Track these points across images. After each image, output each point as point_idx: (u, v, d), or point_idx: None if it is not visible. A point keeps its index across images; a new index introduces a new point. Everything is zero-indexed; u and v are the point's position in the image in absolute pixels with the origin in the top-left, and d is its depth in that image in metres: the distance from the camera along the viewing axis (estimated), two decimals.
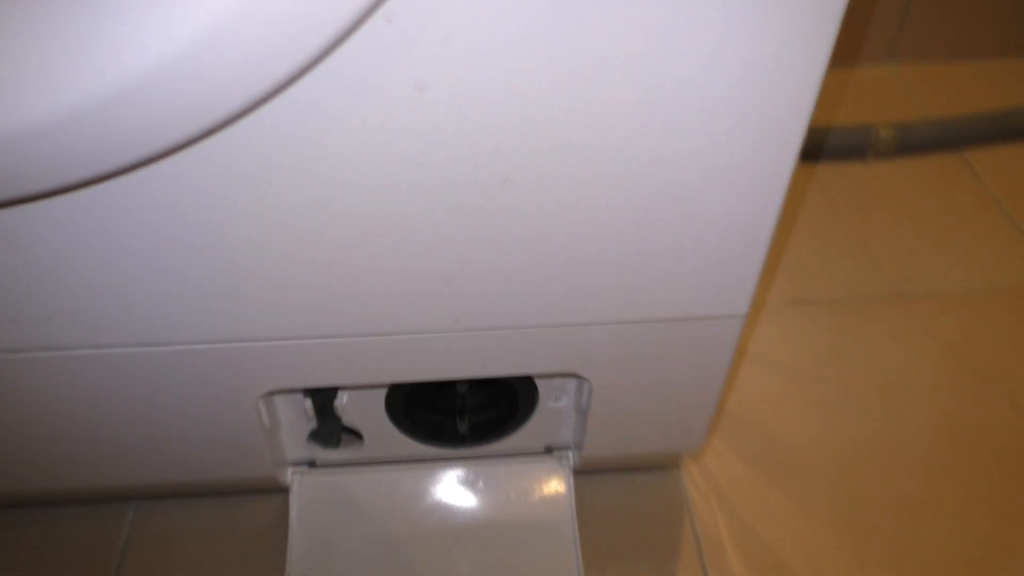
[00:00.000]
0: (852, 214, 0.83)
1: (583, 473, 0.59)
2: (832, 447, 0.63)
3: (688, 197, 0.39)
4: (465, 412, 0.54)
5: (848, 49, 1.02)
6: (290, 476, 0.56)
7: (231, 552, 0.56)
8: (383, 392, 0.52)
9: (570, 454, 0.57)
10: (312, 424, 0.53)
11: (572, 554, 0.53)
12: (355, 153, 0.35)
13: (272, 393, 0.48)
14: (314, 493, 0.55)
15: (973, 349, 0.70)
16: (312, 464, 0.56)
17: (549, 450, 0.57)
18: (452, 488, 0.56)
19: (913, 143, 0.89)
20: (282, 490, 0.56)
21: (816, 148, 0.88)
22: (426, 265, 0.40)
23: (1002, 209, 0.84)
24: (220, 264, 0.39)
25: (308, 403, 0.50)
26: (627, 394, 0.49)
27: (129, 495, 0.59)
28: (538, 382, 0.52)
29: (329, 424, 0.53)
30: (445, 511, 0.55)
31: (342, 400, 0.51)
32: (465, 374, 0.47)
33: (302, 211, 0.37)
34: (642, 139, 0.36)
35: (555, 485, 0.56)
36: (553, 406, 0.54)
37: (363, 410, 0.53)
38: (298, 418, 0.53)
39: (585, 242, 0.40)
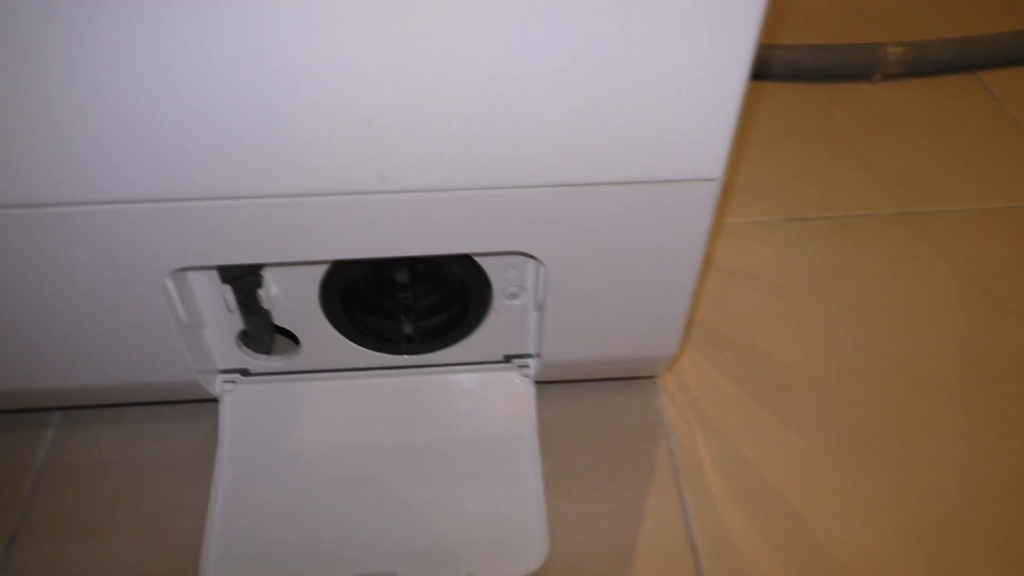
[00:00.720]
0: (856, 135, 0.77)
1: (548, 384, 0.53)
2: (828, 366, 0.57)
3: (649, 43, 0.33)
4: (410, 310, 0.48)
5: None
6: (219, 386, 0.50)
7: (153, 477, 0.51)
8: (316, 285, 0.46)
9: (531, 362, 0.51)
10: (239, 322, 0.48)
11: (532, 473, 0.47)
12: None
13: (183, 270, 0.42)
14: (246, 403, 0.50)
15: (984, 268, 0.64)
16: (245, 373, 0.51)
17: (508, 359, 0.51)
18: (400, 400, 0.50)
19: (925, 62, 0.82)
20: (214, 403, 0.51)
21: (819, 68, 0.82)
22: (339, 101, 0.34)
23: (1020, 128, 0.77)
24: (104, 110, 0.34)
25: (228, 291, 0.45)
26: (588, 281, 0.43)
27: (49, 404, 0.53)
28: (492, 276, 0.47)
29: (256, 321, 0.47)
30: (392, 425, 0.49)
31: (269, 291, 0.46)
32: (399, 251, 0.41)
33: (195, 41, 0.32)
34: None
35: (514, 396, 0.50)
36: (509, 304, 0.48)
37: (295, 305, 0.47)
38: (223, 314, 0.47)
39: (530, 84, 0.34)
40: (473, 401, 0.50)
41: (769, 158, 0.74)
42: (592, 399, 0.54)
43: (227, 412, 0.50)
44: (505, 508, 0.47)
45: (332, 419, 0.50)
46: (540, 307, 0.47)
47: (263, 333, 0.48)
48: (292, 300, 0.47)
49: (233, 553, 0.45)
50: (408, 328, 0.49)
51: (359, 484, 0.48)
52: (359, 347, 0.50)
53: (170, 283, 0.42)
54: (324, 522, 0.46)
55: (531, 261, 0.45)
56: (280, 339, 0.50)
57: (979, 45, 0.83)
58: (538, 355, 0.49)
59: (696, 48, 0.34)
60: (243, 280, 0.45)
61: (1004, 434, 0.53)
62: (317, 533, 0.46)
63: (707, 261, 0.54)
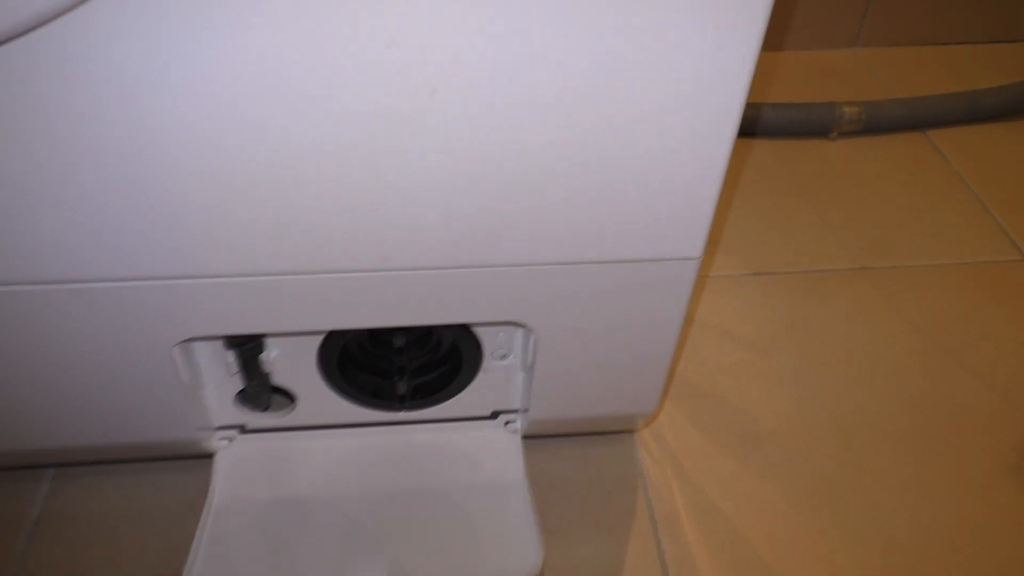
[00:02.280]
0: (816, 189, 0.81)
1: (533, 439, 0.55)
2: (793, 419, 0.60)
3: (637, 133, 0.37)
4: (404, 370, 0.51)
5: (815, 33, 1.00)
6: (216, 442, 0.52)
7: (150, 529, 0.52)
8: (315, 348, 0.48)
9: (518, 418, 0.53)
10: (238, 382, 0.50)
11: (527, 519, 0.49)
12: (269, 64, 0.32)
13: (189, 340, 0.44)
14: (240, 456, 0.51)
15: (936, 322, 0.68)
16: (242, 429, 0.53)
17: (495, 415, 0.54)
18: (392, 452, 0.52)
19: (878, 121, 0.87)
20: (210, 459, 0.52)
21: (779, 125, 0.86)
22: (349, 191, 0.37)
23: (967, 187, 0.82)
24: (124, 193, 0.36)
25: (231, 356, 0.47)
26: (575, 347, 0.46)
27: (45, 462, 0.54)
28: (482, 339, 0.49)
29: (256, 381, 0.49)
30: (384, 474, 0.51)
31: (270, 355, 0.48)
32: (398, 322, 0.44)
33: (215, 135, 0.34)
34: (591, 71, 0.33)
35: (502, 448, 0.52)
36: (499, 364, 0.51)
37: (294, 367, 0.49)
38: (223, 376, 0.49)
39: (524, 172, 0.37)
40: (464, 452, 0.52)
41: (733, 212, 0.78)
42: (574, 452, 0.57)
43: (220, 465, 0.51)
44: (498, 525, 0.48)
45: (325, 469, 0.51)
46: (528, 368, 0.49)
47: (262, 393, 0.50)
48: (291, 363, 0.49)
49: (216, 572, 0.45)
50: (402, 388, 0.51)
51: (350, 506, 0.49)
52: (353, 404, 0.52)
53: (177, 352, 0.44)
54: (313, 540, 0.47)
55: (521, 328, 0.48)
56: (276, 397, 0.52)
57: (928, 105, 0.89)
58: (525, 411, 0.52)
59: (679, 150, 0.37)
60: (246, 346, 0.47)
61: (955, 483, 0.57)
62: (306, 551, 0.47)
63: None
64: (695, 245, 0.42)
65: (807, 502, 0.55)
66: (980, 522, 0.55)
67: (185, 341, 0.43)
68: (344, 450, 0.52)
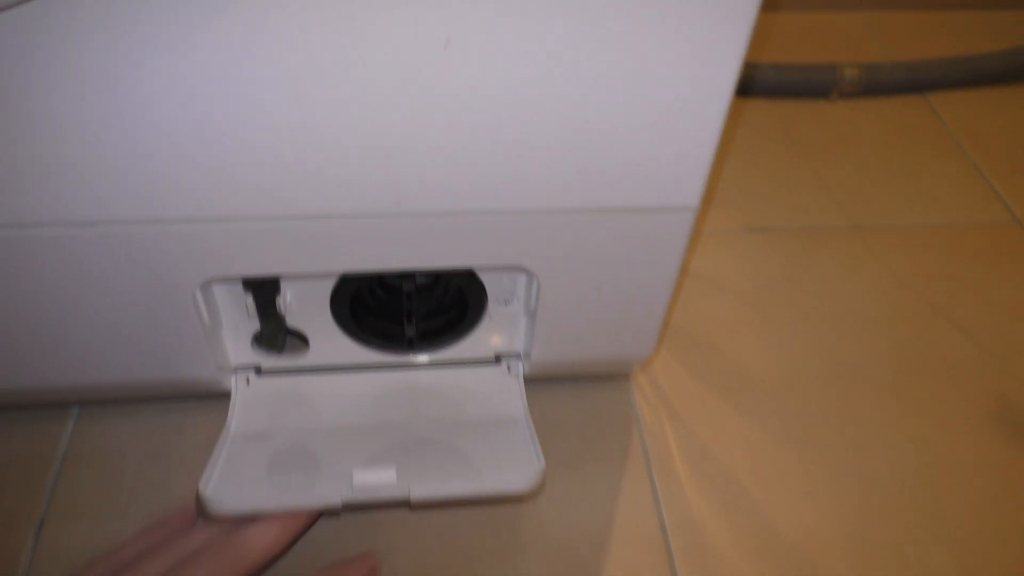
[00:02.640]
0: (813, 150, 0.83)
1: (533, 383, 0.58)
2: (783, 367, 0.63)
3: (638, 84, 0.39)
4: (412, 315, 0.53)
5: None
6: (234, 381, 0.55)
7: (173, 465, 0.55)
8: (327, 293, 0.51)
9: (519, 362, 0.56)
10: (255, 325, 0.52)
11: (529, 437, 0.51)
12: (289, 17, 0.34)
13: (210, 282, 0.46)
14: (256, 394, 0.54)
15: (926, 280, 0.71)
16: (258, 370, 0.55)
17: (498, 359, 0.56)
18: (400, 390, 0.55)
19: (878, 84, 0.89)
20: (227, 398, 0.55)
21: (780, 85, 0.88)
22: (367, 139, 0.39)
23: (962, 150, 0.84)
24: (152, 134, 0.38)
25: (249, 299, 0.49)
26: (576, 292, 0.49)
27: (68, 400, 0.57)
28: (487, 285, 0.52)
29: (272, 324, 0.52)
30: (393, 408, 0.54)
31: (285, 299, 0.50)
32: (409, 265, 0.46)
33: (238, 82, 0.36)
34: (595, 22, 0.35)
35: (505, 389, 0.55)
36: (503, 310, 0.53)
37: (307, 311, 0.52)
38: (240, 317, 0.52)
39: (530, 121, 0.40)
40: (469, 391, 0.55)
41: (731, 169, 0.80)
42: (572, 395, 0.60)
43: (237, 401, 0.53)
44: (501, 443, 0.50)
45: (336, 404, 0.54)
46: (531, 313, 0.52)
47: (277, 335, 0.53)
48: (305, 305, 0.51)
49: (233, 478, 0.47)
50: (410, 331, 0.54)
51: (362, 431, 0.51)
52: (363, 347, 0.55)
53: (199, 293, 0.46)
54: (324, 458, 0.49)
55: (524, 273, 0.50)
56: (290, 340, 0.55)
57: (928, 69, 0.90)
58: (527, 355, 0.55)
59: (679, 101, 0.39)
60: (263, 289, 0.49)
61: (936, 428, 0.60)
62: (317, 463, 0.49)
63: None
64: (692, 194, 0.44)
65: (793, 444, 0.58)
66: (957, 464, 0.58)
67: (207, 282, 0.46)
68: (355, 389, 0.55)
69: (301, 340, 0.54)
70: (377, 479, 0.45)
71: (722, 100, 0.40)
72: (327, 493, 0.45)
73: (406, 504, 0.46)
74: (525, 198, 0.43)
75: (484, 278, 0.51)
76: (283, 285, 0.50)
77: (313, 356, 0.55)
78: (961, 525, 0.54)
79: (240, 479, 0.47)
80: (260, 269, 0.45)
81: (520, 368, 0.56)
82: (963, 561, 0.53)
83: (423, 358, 0.56)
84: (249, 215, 0.42)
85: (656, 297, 0.50)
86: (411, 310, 0.53)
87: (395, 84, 0.37)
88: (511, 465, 0.48)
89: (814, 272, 0.71)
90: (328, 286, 0.50)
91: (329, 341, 0.54)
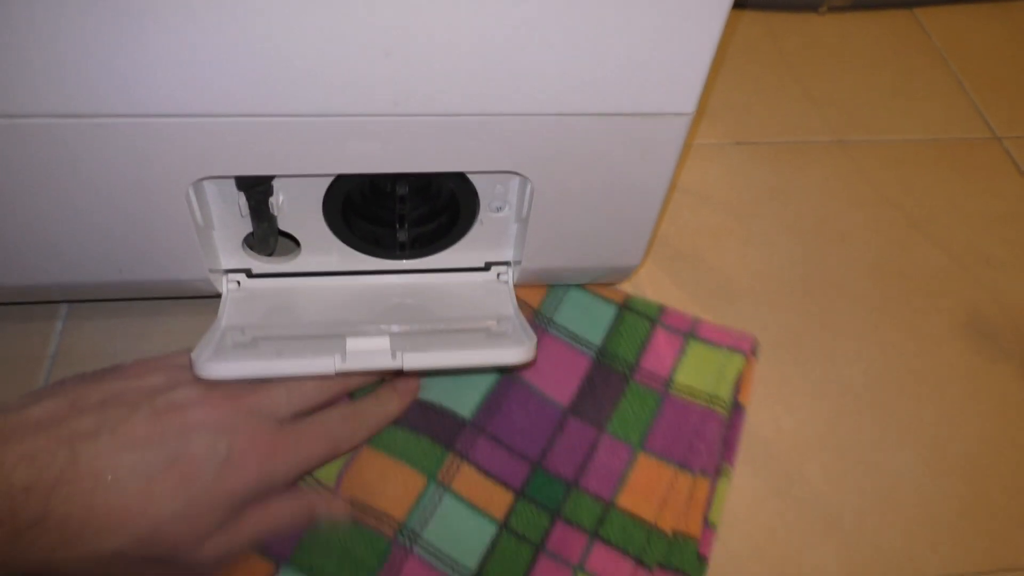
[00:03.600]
0: (801, 63, 0.83)
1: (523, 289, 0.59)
2: (765, 278, 0.65)
3: None
4: (404, 219, 0.53)
5: None
6: (225, 283, 0.55)
7: None
8: (320, 195, 0.50)
9: (510, 269, 0.57)
10: (247, 227, 0.52)
11: (520, 323, 0.52)
12: None
13: (203, 179, 0.46)
14: (247, 295, 0.54)
15: (905, 194, 0.72)
16: (249, 273, 0.55)
17: (489, 266, 0.57)
18: (392, 294, 0.56)
19: None
20: (218, 299, 0.55)
21: None
22: (366, 36, 0.38)
23: (947, 65, 0.84)
24: (145, 25, 0.37)
25: (242, 198, 0.49)
26: (568, 199, 0.49)
27: (58, 299, 0.57)
28: (480, 191, 0.52)
29: (264, 226, 0.52)
30: (385, 310, 0.54)
31: (278, 200, 0.50)
32: (404, 168, 0.46)
33: None
34: None
35: (495, 294, 0.56)
36: (494, 216, 0.53)
37: (299, 213, 0.52)
38: (233, 218, 0.51)
39: (530, 23, 0.39)
40: (459, 296, 0.56)
41: (720, 82, 0.80)
42: None
43: (228, 300, 0.54)
44: (491, 327, 0.52)
45: (328, 304, 0.54)
46: (522, 220, 0.52)
47: (269, 237, 0.53)
48: (297, 207, 0.51)
49: (225, 346, 0.48)
50: (402, 235, 0.54)
51: (356, 320, 0.52)
52: (354, 251, 0.55)
53: (192, 191, 0.46)
54: (319, 330, 0.50)
55: (516, 178, 0.50)
56: (282, 242, 0.55)
57: None
58: (517, 263, 0.55)
59: (679, 6, 0.39)
60: (256, 189, 0.49)
61: (909, 338, 0.62)
62: (311, 335, 0.50)
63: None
64: (688, 101, 0.44)
65: (772, 352, 0.60)
66: (928, 371, 0.60)
67: (200, 180, 0.45)
68: (346, 291, 0.55)
69: (293, 242, 0.54)
70: (371, 345, 0.46)
71: (720, 4, 0.40)
72: (321, 360, 0.45)
73: (399, 372, 0.47)
74: (522, 102, 0.43)
75: (477, 183, 0.51)
76: (276, 186, 0.50)
77: (304, 260, 0.55)
78: (928, 429, 0.57)
79: (233, 351, 0.47)
80: (254, 168, 0.45)
81: (511, 275, 0.57)
82: (931, 464, 0.55)
83: (414, 264, 0.56)
84: (244, 112, 0.41)
85: (647, 205, 0.51)
86: (403, 214, 0.53)
87: None
88: (504, 340, 0.49)
89: (799, 185, 0.72)
90: (321, 189, 0.50)
91: (321, 245, 0.54)
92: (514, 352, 0.48)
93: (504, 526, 0.49)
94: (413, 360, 0.46)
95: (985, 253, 0.68)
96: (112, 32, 0.37)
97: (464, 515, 0.49)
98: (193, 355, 0.45)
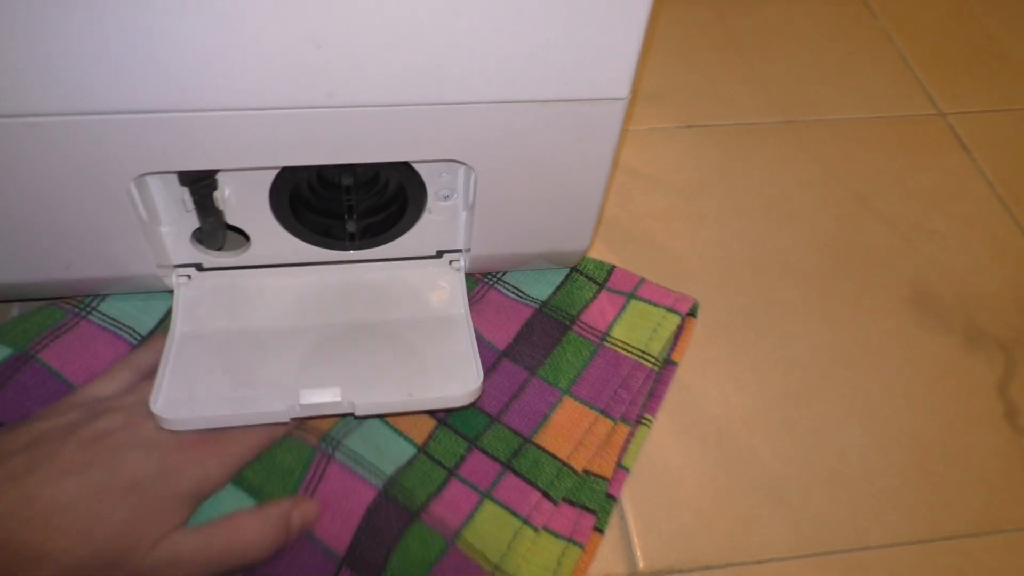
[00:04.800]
0: (749, 44, 0.84)
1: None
2: (714, 258, 0.66)
3: None
4: (353, 210, 0.54)
5: None
6: (175, 279, 0.55)
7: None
8: (266, 188, 0.51)
9: (461, 256, 0.57)
10: (194, 221, 0.52)
11: (466, 332, 0.54)
12: None
13: (144, 175, 0.46)
14: (198, 291, 0.55)
15: (852, 172, 0.73)
16: (199, 268, 0.55)
17: (440, 254, 0.58)
18: (343, 287, 0.56)
19: None
20: (170, 294, 0.55)
21: None
22: (294, 27, 0.39)
23: (892, 43, 0.86)
24: (77, 22, 0.37)
25: (186, 193, 0.49)
26: (513, 185, 0.50)
27: (12, 297, 0.57)
28: (427, 180, 0.52)
29: (211, 221, 0.52)
30: (336, 306, 0.55)
31: (223, 194, 0.50)
32: (345, 159, 0.46)
33: None
34: None
35: (447, 284, 0.57)
36: (443, 205, 0.54)
37: (246, 206, 0.52)
38: (179, 214, 0.51)
39: (458, 11, 0.39)
40: (410, 288, 0.57)
41: (669, 66, 0.81)
42: None
43: (181, 297, 0.54)
44: (442, 351, 0.53)
45: (279, 302, 0.55)
46: (470, 208, 0.53)
47: (217, 231, 0.53)
48: (244, 202, 0.51)
49: (181, 393, 0.48)
50: (351, 226, 0.54)
51: (305, 341, 0.53)
52: (304, 243, 0.55)
53: (134, 187, 0.46)
54: (271, 368, 0.51)
55: (462, 167, 0.51)
56: (231, 236, 0.55)
57: None
58: (467, 250, 0.56)
59: None
60: (200, 183, 0.49)
61: (854, 313, 0.63)
62: (264, 374, 0.50)
63: (615, 165, 0.61)
64: (622, 85, 0.45)
65: (721, 331, 0.61)
66: (872, 345, 0.62)
67: (140, 176, 0.45)
68: (298, 287, 0.56)
69: (242, 236, 0.54)
70: (323, 398, 0.48)
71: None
72: (276, 408, 0.48)
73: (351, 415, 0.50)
74: (457, 90, 0.43)
75: (423, 173, 0.52)
76: (221, 180, 0.50)
77: (254, 253, 0.55)
78: (874, 402, 0.59)
79: (188, 393, 0.48)
80: (193, 163, 0.45)
81: (462, 263, 0.57)
82: (876, 436, 0.57)
83: (366, 254, 0.56)
84: (178, 107, 0.41)
85: (590, 190, 0.51)
86: (351, 205, 0.53)
87: None
88: (452, 377, 0.51)
89: (747, 166, 0.73)
90: (267, 183, 0.50)
91: (270, 238, 0.54)
92: (461, 395, 0.50)
93: (422, 449, 0.52)
94: (364, 409, 0.49)
95: (929, 228, 0.70)
96: (41, 31, 0.37)
97: (386, 435, 0.52)
98: (150, 402, 0.47)
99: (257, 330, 0.53)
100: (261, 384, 0.50)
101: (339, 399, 0.48)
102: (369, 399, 0.48)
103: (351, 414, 0.49)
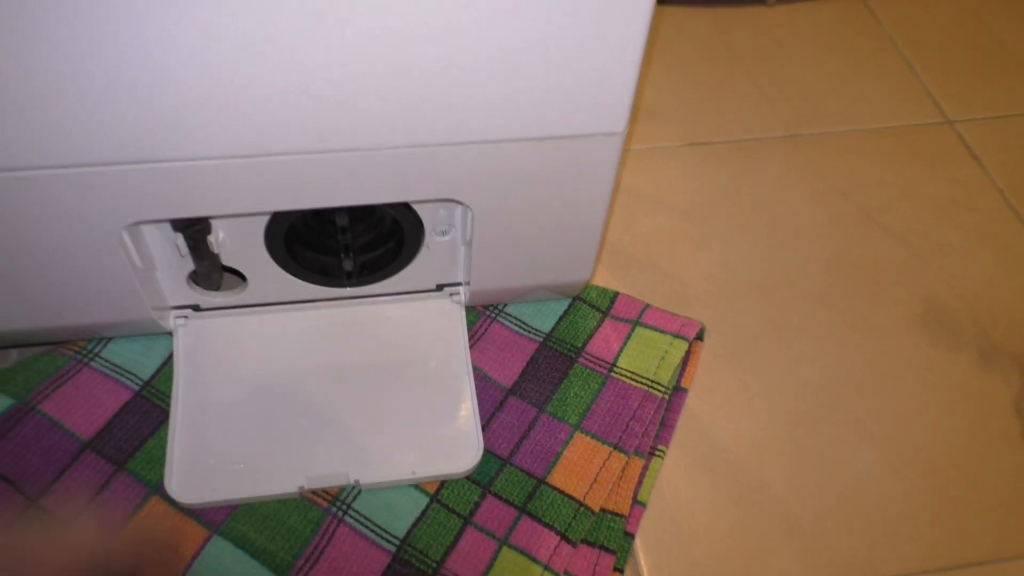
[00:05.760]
0: (751, 57, 0.82)
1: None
2: (720, 280, 0.65)
3: (554, 11, 0.38)
4: (349, 248, 0.53)
5: None
6: (173, 321, 0.54)
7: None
8: (261, 229, 0.50)
9: (461, 289, 0.57)
10: (189, 264, 0.52)
11: (467, 384, 0.54)
12: None
13: (136, 224, 0.45)
14: (198, 334, 0.54)
15: (859, 186, 0.72)
16: (196, 308, 0.55)
17: (440, 288, 0.57)
18: (342, 327, 0.55)
19: None
20: (169, 335, 0.55)
21: None
22: (281, 76, 0.38)
23: (897, 50, 0.84)
24: (65, 78, 0.36)
25: (180, 239, 0.48)
26: (510, 221, 0.49)
27: (8, 344, 0.56)
28: (423, 216, 0.51)
29: (206, 262, 0.51)
30: (336, 349, 0.55)
31: (218, 237, 0.50)
32: (339, 202, 0.45)
33: (149, 20, 0.34)
34: None
35: (447, 320, 0.56)
36: (440, 240, 0.53)
37: (242, 248, 0.51)
38: (174, 258, 0.51)
39: (448, 53, 0.39)
40: (410, 325, 0.56)
41: (670, 82, 0.79)
42: None
43: (181, 343, 0.54)
44: (443, 415, 0.53)
45: (279, 345, 0.55)
46: (467, 243, 0.52)
47: (213, 273, 0.52)
48: (239, 244, 0.51)
49: (193, 468, 0.50)
50: (348, 264, 0.53)
51: (307, 400, 0.53)
52: (302, 282, 0.54)
53: (126, 235, 0.45)
54: (276, 435, 0.51)
55: (457, 205, 0.50)
56: (228, 276, 0.54)
57: None
58: (467, 283, 0.55)
59: (597, 28, 0.39)
60: (193, 229, 0.48)
61: (865, 333, 0.62)
62: (270, 445, 0.51)
63: (616, 189, 0.60)
64: (617, 121, 0.44)
65: (730, 355, 0.60)
66: (884, 366, 0.60)
67: (132, 225, 0.45)
68: (297, 327, 0.55)
69: (239, 277, 0.54)
70: (331, 483, 0.50)
71: (640, 25, 0.39)
72: (287, 489, 0.49)
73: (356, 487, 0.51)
74: (448, 131, 0.42)
75: (420, 210, 0.51)
76: (215, 224, 0.49)
77: (252, 293, 0.54)
78: (887, 425, 0.57)
79: (199, 468, 0.50)
80: (185, 211, 0.44)
81: (462, 297, 0.57)
82: (890, 459, 0.56)
83: (365, 290, 0.56)
84: (166, 157, 0.41)
85: (590, 222, 0.50)
86: (348, 243, 0.53)
87: (307, 19, 0.36)
88: (453, 452, 0.51)
89: (751, 183, 0.71)
90: (262, 224, 0.50)
91: (267, 277, 0.53)
92: (462, 471, 0.51)
93: (435, 498, 0.51)
94: (369, 486, 0.50)
95: (939, 241, 0.68)
96: (31, 85, 0.36)
97: (398, 488, 0.51)
98: (164, 481, 0.49)
99: (259, 382, 0.53)
100: (269, 454, 0.51)
101: (348, 482, 0.50)
102: (374, 478, 0.50)
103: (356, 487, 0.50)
